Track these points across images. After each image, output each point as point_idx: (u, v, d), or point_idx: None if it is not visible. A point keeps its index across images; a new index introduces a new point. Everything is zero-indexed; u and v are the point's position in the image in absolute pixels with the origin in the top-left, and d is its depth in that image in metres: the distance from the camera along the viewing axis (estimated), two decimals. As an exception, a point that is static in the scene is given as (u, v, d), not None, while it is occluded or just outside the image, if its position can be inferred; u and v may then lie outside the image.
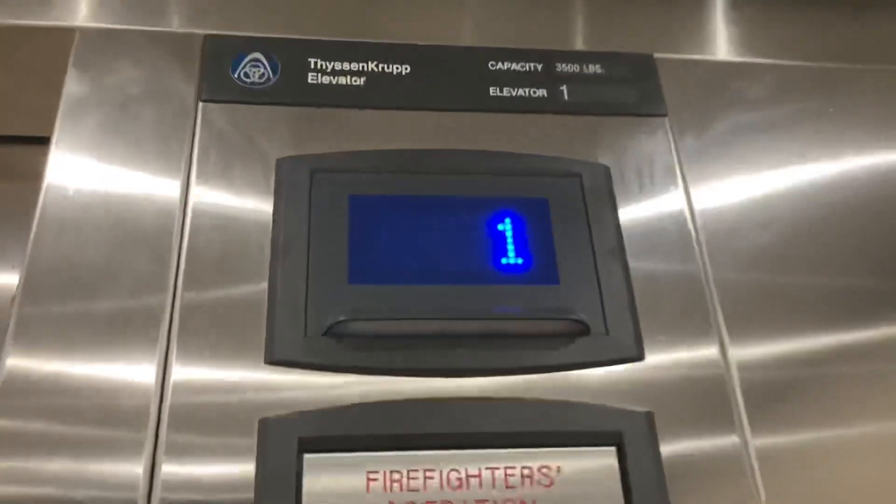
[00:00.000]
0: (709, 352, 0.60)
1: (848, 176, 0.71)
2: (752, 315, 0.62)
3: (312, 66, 0.68)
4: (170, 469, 0.51)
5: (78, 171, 0.61)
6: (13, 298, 0.55)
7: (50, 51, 0.66)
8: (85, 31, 0.67)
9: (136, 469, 0.50)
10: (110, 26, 0.68)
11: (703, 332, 0.60)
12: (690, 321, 0.61)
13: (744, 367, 0.59)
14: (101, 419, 0.52)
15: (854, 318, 0.63)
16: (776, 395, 0.59)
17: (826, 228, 0.67)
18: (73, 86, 0.64)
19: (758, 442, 0.56)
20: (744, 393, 0.58)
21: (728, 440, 0.56)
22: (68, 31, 0.66)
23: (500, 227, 0.62)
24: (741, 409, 0.57)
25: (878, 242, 0.67)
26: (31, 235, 0.57)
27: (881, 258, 0.67)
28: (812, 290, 0.64)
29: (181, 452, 0.51)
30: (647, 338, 0.59)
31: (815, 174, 0.71)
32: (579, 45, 0.76)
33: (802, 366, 0.60)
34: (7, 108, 0.69)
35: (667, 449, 0.55)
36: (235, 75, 0.67)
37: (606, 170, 0.66)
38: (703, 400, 0.58)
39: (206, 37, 0.68)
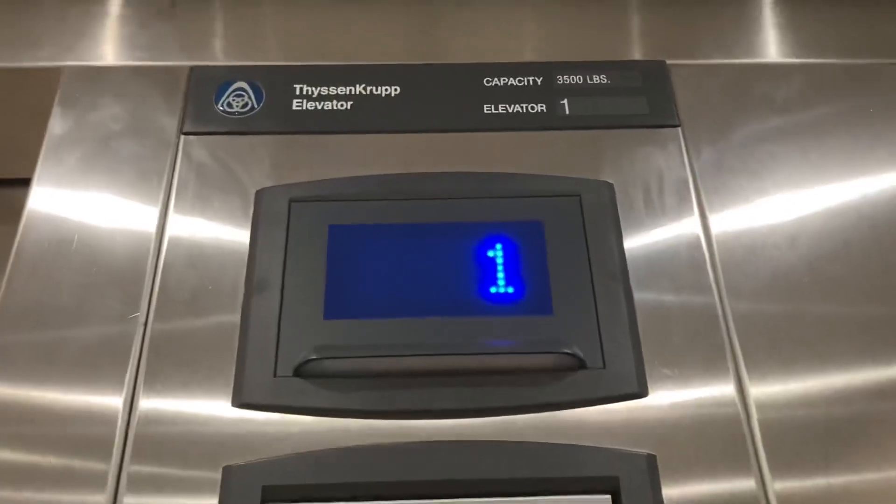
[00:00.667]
0: (723, 389, 0.53)
1: (890, 186, 0.63)
2: (775, 348, 0.54)
3: (298, 92, 0.66)
4: (132, 501, 0.48)
5: (56, 207, 0.60)
6: None
7: (38, 91, 0.66)
8: (71, 70, 0.66)
9: (98, 499, 0.48)
10: (96, 64, 0.67)
11: (716, 368, 0.54)
12: (703, 356, 0.54)
13: (763, 405, 0.52)
14: (66, 449, 0.50)
15: (893, 351, 0.55)
16: (800, 436, 0.51)
17: (864, 249, 0.59)
18: (56, 124, 0.63)
19: (778, 487, 0.50)
20: (763, 434, 0.51)
21: (744, 485, 0.50)
22: (54, 71, 0.66)
23: (489, 253, 0.58)
24: (760, 451, 0.51)
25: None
26: (8, 268, 0.57)
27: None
28: (845, 320, 0.56)
29: (144, 486, 0.49)
30: (652, 373, 0.53)
31: (852, 185, 0.63)
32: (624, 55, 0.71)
33: (832, 404, 0.53)
34: (-1, 150, 0.69)
35: (672, 496, 0.49)
36: (219, 106, 0.65)
37: (609, 187, 0.61)
38: (716, 441, 0.51)
39: (192, 68, 0.67)
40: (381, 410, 0.51)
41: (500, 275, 0.57)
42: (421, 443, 0.50)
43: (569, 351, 0.52)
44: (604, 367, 0.53)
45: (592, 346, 0.54)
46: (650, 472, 0.49)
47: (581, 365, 0.53)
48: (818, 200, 0.62)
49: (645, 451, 0.50)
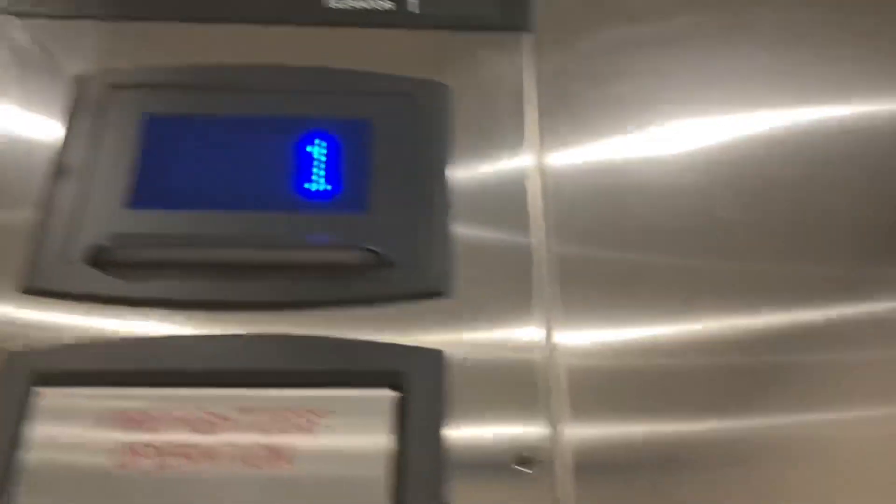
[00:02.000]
0: (528, 325, 0.51)
1: (763, 111, 0.59)
2: (589, 290, 0.52)
3: (132, -24, 0.63)
4: None
5: None
6: None
7: None
8: None
9: None
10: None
11: (525, 307, 0.51)
12: (513, 281, 0.52)
13: (569, 352, 0.50)
14: None
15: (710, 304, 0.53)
16: (600, 382, 0.49)
17: (723, 189, 0.56)
18: None
19: (569, 432, 0.47)
20: (562, 374, 0.49)
21: (536, 431, 0.47)
22: None
23: (308, 149, 0.56)
24: (560, 388, 0.48)
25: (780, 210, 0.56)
26: None
27: (779, 234, 0.55)
28: (665, 267, 0.53)
29: None
30: (459, 279, 0.51)
31: (718, 109, 0.60)
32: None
33: (640, 354, 0.50)
34: None
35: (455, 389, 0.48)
36: (47, -13, 0.62)
37: (445, 89, 0.59)
38: (514, 381, 0.49)
39: (23, -53, 0.63)
40: (172, 300, 0.50)
41: (319, 171, 0.55)
42: (204, 336, 0.49)
43: (370, 248, 0.51)
44: (415, 266, 0.52)
45: (402, 246, 0.52)
46: (435, 368, 0.48)
47: (387, 262, 0.51)
48: (682, 128, 0.58)
49: (436, 348, 0.49)
